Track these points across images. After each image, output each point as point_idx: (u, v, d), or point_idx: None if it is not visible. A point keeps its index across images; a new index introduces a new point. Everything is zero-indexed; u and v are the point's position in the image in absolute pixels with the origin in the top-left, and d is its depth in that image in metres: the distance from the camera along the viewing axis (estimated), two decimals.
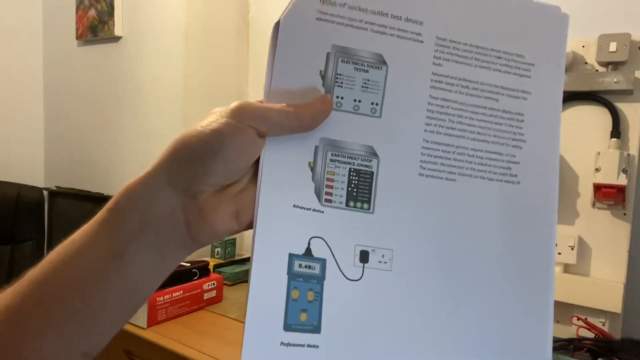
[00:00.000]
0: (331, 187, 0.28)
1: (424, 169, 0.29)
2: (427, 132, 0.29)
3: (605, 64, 0.81)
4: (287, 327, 0.27)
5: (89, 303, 0.25)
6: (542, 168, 0.31)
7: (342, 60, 0.28)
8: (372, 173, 0.29)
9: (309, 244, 0.28)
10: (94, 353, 0.26)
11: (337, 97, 0.29)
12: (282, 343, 0.27)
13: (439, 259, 0.29)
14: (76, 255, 0.25)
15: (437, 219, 0.29)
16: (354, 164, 0.29)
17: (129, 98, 1.63)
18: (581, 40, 0.83)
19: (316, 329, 0.27)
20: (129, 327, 0.84)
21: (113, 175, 1.71)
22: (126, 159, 1.66)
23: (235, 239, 1.29)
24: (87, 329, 0.25)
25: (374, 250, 0.28)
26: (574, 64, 0.84)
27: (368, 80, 0.29)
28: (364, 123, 0.29)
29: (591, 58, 0.82)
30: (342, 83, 0.29)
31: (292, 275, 0.27)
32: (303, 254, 0.28)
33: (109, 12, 1.61)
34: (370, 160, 0.29)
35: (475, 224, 0.29)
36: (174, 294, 0.90)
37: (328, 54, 0.28)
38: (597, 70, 0.82)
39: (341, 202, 0.28)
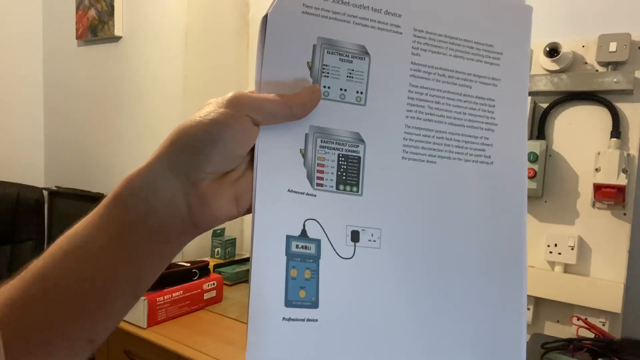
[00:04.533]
0: (322, 172, 0.30)
1: (407, 152, 0.31)
2: (409, 118, 0.31)
3: (605, 64, 0.81)
4: (288, 304, 0.29)
5: (94, 291, 0.25)
6: (513, 148, 0.33)
7: (327, 51, 0.30)
8: (359, 158, 0.31)
9: (304, 225, 0.30)
10: (99, 340, 0.27)
11: (325, 86, 0.30)
12: (284, 318, 0.29)
13: (423, 235, 0.31)
14: (80, 245, 0.26)
15: (420, 199, 0.31)
16: (342, 149, 0.30)
17: (128, 98, 1.63)
18: (581, 40, 0.83)
19: (314, 304, 0.29)
20: (129, 327, 0.84)
21: (113, 175, 1.71)
22: (126, 159, 1.66)
23: (235, 239, 1.29)
24: (93, 317, 0.26)
25: (364, 230, 0.30)
26: (574, 64, 0.84)
27: (352, 70, 0.30)
28: (350, 111, 0.31)
29: (591, 58, 0.82)
30: (328, 73, 0.30)
31: (290, 255, 0.29)
32: (299, 235, 0.29)
33: (109, 12, 1.61)
34: (357, 146, 0.31)
35: (455, 202, 0.32)
36: (174, 294, 0.90)
37: (314, 46, 0.30)
38: (597, 70, 0.82)
39: (332, 186, 0.30)
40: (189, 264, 0.97)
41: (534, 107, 0.86)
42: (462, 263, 0.32)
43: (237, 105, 0.27)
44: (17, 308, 0.25)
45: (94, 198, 1.65)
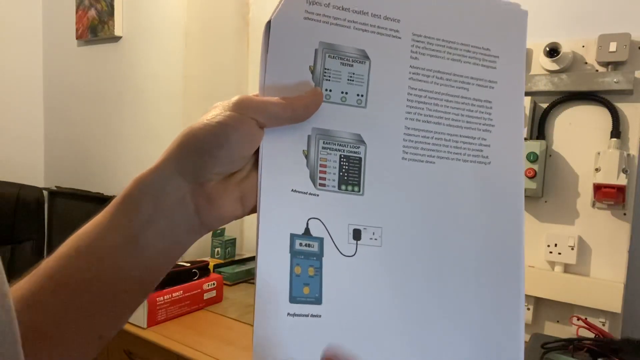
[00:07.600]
0: (324, 172, 0.31)
1: (407, 153, 0.32)
2: (408, 119, 0.32)
3: (605, 64, 0.81)
4: (292, 300, 0.30)
5: (104, 289, 0.26)
6: (510, 149, 0.34)
7: (329, 55, 0.31)
8: (360, 158, 0.32)
9: (307, 224, 0.30)
10: (109, 336, 0.28)
11: (326, 89, 0.31)
12: (288, 314, 0.29)
13: (423, 234, 0.32)
14: (91, 244, 0.27)
15: (420, 198, 0.32)
16: (343, 150, 0.31)
17: (128, 98, 1.63)
18: (581, 40, 0.83)
19: (318, 301, 0.30)
20: (129, 327, 0.85)
21: (113, 175, 1.71)
22: (126, 159, 1.66)
23: (235, 239, 1.29)
24: (103, 314, 0.27)
25: (365, 229, 0.31)
26: (574, 64, 0.84)
27: (353, 73, 0.31)
28: (351, 113, 0.31)
29: (591, 58, 0.82)
30: (329, 77, 0.31)
31: (294, 253, 0.30)
32: (303, 234, 0.30)
33: (109, 12, 1.61)
34: (358, 147, 0.32)
35: (454, 202, 0.33)
36: (174, 294, 0.90)
37: (316, 50, 0.31)
38: (597, 70, 0.82)
39: (334, 186, 0.31)
40: (189, 264, 0.97)
41: (534, 107, 0.86)
42: (460, 261, 0.32)
43: (243, 108, 0.28)
44: (28, 307, 0.25)
45: (94, 198, 1.65)
